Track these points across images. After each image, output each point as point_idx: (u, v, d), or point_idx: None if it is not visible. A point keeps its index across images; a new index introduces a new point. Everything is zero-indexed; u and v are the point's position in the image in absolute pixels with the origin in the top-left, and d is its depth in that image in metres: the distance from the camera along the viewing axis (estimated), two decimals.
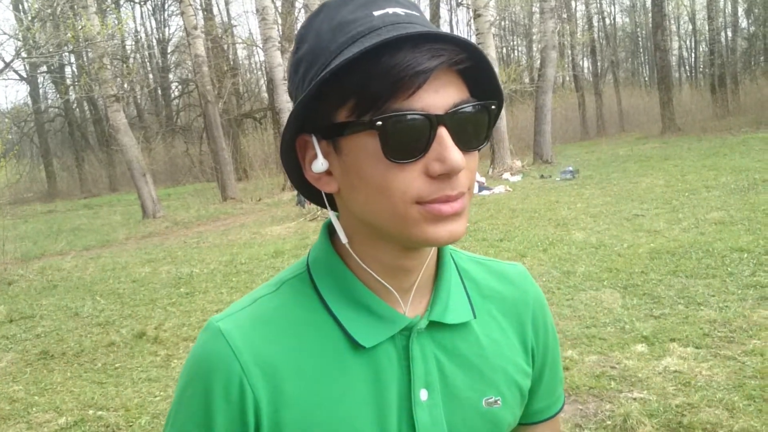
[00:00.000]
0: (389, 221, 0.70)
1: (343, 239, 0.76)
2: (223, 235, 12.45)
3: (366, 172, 0.68)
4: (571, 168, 14.91)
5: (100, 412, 4.26)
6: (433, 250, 0.81)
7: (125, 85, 20.06)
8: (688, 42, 43.84)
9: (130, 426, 4.01)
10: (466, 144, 0.68)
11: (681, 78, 41.96)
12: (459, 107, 0.67)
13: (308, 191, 0.81)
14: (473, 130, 0.69)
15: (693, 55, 44.20)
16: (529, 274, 0.93)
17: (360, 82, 0.65)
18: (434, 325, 0.79)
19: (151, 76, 36.73)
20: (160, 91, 37.79)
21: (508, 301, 0.87)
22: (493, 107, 0.71)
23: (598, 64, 36.76)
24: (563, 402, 0.96)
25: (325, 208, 0.79)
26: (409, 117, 0.65)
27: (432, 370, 0.78)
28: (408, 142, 0.66)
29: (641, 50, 46.83)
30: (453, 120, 0.67)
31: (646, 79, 45.42)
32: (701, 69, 41.41)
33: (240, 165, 26.27)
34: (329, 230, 0.82)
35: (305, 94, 0.67)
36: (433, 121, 0.66)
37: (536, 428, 0.93)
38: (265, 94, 37.10)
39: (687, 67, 45.68)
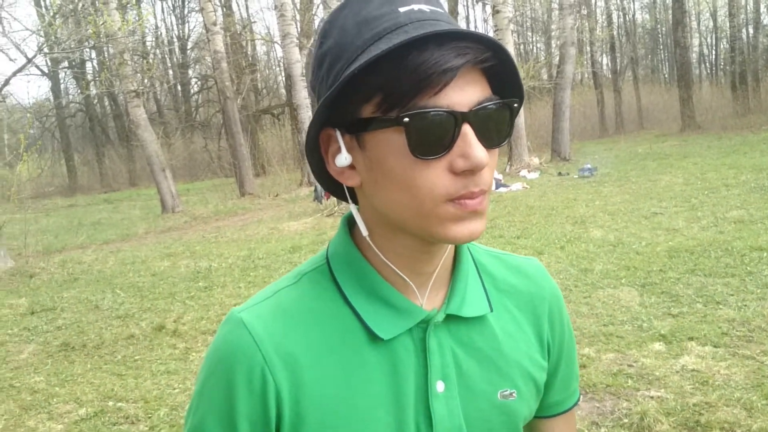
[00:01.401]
0: (412, 217, 0.71)
1: (364, 232, 0.78)
2: (241, 230, 12.53)
3: (391, 167, 0.69)
4: (589, 165, 14.82)
5: (119, 404, 4.32)
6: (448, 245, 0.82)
7: (145, 81, 20.20)
8: (708, 39, 43.34)
9: (149, 417, 4.06)
10: (488, 141, 0.69)
11: (701, 75, 41.50)
12: (482, 105, 0.68)
13: (330, 184, 0.83)
14: (495, 127, 0.70)
15: (714, 52, 43.69)
16: (545, 269, 0.94)
17: (386, 78, 0.67)
18: (451, 318, 0.80)
19: (171, 72, 37.03)
20: (179, 87, 38.06)
21: (524, 296, 0.88)
22: (515, 105, 0.72)
23: (618, 60, 36.46)
24: (578, 396, 0.97)
25: (347, 201, 0.81)
26: (435, 114, 0.66)
27: (448, 362, 0.79)
28: (433, 138, 0.67)
29: (661, 47, 46.36)
30: (477, 117, 0.68)
31: (666, 76, 44.98)
32: (722, 66, 40.92)
33: (258, 161, 26.39)
34: (349, 224, 0.84)
35: (333, 90, 0.68)
36: (458, 119, 0.67)
37: (552, 422, 0.94)
38: (283, 91, 37.22)
39: (707, 64, 45.17)
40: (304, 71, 18.73)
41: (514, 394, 0.83)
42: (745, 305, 4.85)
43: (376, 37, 0.69)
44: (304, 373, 0.75)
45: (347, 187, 0.79)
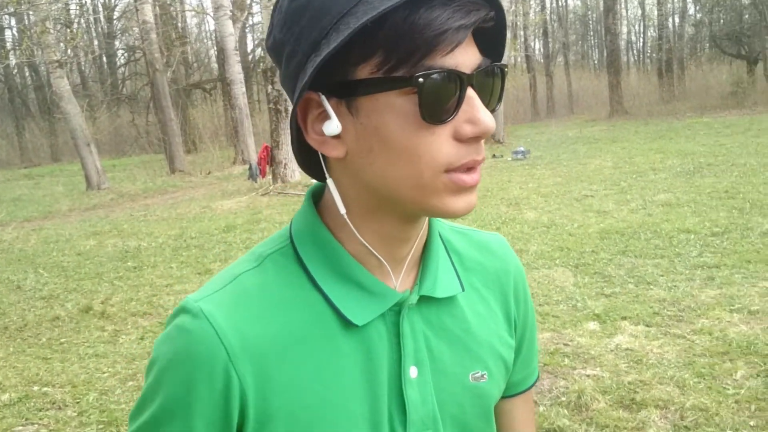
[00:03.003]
0: (409, 189, 0.65)
1: (342, 209, 0.70)
2: (172, 208, 12.18)
3: (391, 134, 0.63)
4: (522, 148, 15.07)
5: (45, 389, 4.11)
6: (425, 223, 0.76)
7: (68, 51, 19.31)
8: (636, 27, 44.68)
9: (78, 402, 3.88)
10: (487, 106, 0.65)
11: (629, 62, 42.80)
12: (482, 68, 0.64)
13: (303, 157, 0.74)
14: (492, 91, 0.66)
15: (641, 39, 45.09)
16: (508, 244, 0.90)
17: (392, 35, 0.59)
18: (423, 300, 0.76)
19: (96, 42, 35.53)
20: (105, 59, 36.60)
21: (490, 273, 0.85)
22: (506, 69, 0.68)
23: (550, 45, 37.15)
24: (538, 375, 0.95)
25: (319, 179, 0.74)
26: (447, 75, 0.60)
27: (421, 346, 0.75)
28: (442, 102, 0.61)
29: (591, 33, 47.51)
30: (479, 80, 0.63)
31: (596, 62, 46.16)
32: (649, 54, 42.28)
33: (189, 137, 25.72)
34: (313, 200, 0.76)
35: (337, 45, 0.59)
36: (464, 81, 0.62)
37: (511, 401, 0.91)
38: (215, 65, 36.29)
39: (635, 51, 46.61)
40: (237, 45, 18.29)
41: (485, 376, 0.79)
42: (675, 285, 5.01)
43: None
44: (272, 367, 0.68)
45: (324, 160, 0.71)
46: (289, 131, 11.89)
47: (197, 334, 0.66)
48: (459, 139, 0.63)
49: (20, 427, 3.64)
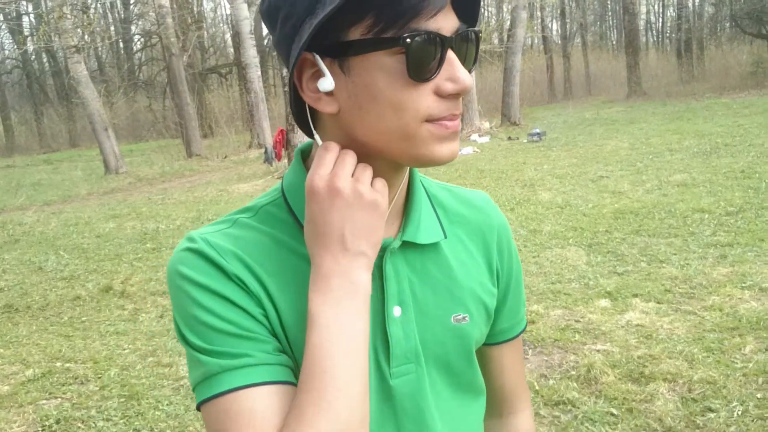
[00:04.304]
0: (397, 140, 0.71)
1: None
2: (189, 191, 12.32)
3: (380, 91, 0.69)
4: (538, 130, 15.01)
5: (67, 364, 4.23)
6: (405, 175, 0.82)
7: (86, 37, 19.44)
8: (656, 6, 44.06)
9: (99, 377, 3.99)
10: (464, 65, 0.71)
11: (648, 43, 42.27)
12: (460, 31, 0.70)
13: (297, 114, 0.80)
14: (467, 54, 0.73)
15: (660, 19, 44.48)
16: (492, 201, 0.97)
17: (382, 0, 0.66)
18: (407, 246, 0.81)
19: (112, 27, 35.68)
20: (121, 44, 36.76)
21: (473, 226, 0.91)
22: (480, 34, 0.75)
23: (567, 26, 36.77)
24: (525, 324, 1.01)
25: (310, 135, 0.79)
26: (430, 37, 0.67)
27: (405, 288, 0.81)
28: (426, 62, 0.68)
29: (609, 13, 46.92)
30: (457, 43, 0.70)
31: (614, 42, 45.65)
32: (668, 34, 41.72)
33: (205, 121, 25.85)
34: (302, 156, 0.83)
35: (331, 10, 0.65)
36: (445, 43, 0.68)
37: (500, 348, 0.97)
38: (231, 50, 36.33)
39: (654, 31, 46.01)
40: (252, 29, 18.31)
41: (466, 318, 0.85)
42: (687, 264, 5.03)
43: None
44: (268, 286, 0.75)
45: (313, 118, 0.77)
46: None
47: (203, 248, 0.74)
48: (440, 94, 0.70)
49: (44, 401, 3.76)
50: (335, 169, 0.72)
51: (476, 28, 0.74)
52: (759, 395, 3.08)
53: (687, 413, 3.01)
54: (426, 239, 0.83)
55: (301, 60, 0.72)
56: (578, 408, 3.14)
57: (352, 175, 0.72)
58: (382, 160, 0.75)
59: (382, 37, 0.67)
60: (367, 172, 0.73)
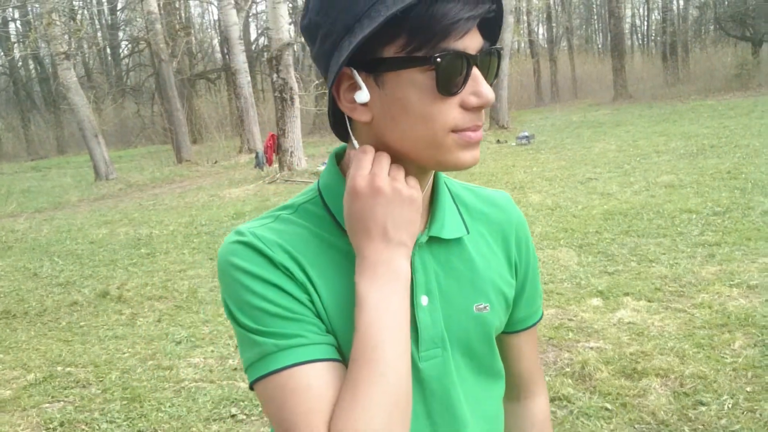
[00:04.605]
0: (425, 148, 0.80)
1: None
2: (180, 197, 12.33)
3: (411, 104, 0.77)
4: (526, 133, 15.15)
5: (68, 369, 4.27)
6: (431, 177, 0.91)
7: (72, 43, 19.41)
8: (641, 10, 44.45)
9: (101, 381, 4.04)
10: (486, 80, 0.80)
11: (633, 46, 42.62)
12: (484, 49, 0.79)
13: (334, 122, 0.89)
14: (489, 69, 0.81)
15: (645, 23, 44.89)
16: (512, 200, 1.05)
17: (415, 23, 0.74)
18: (433, 240, 0.90)
19: (99, 34, 35.58)
20: (108, 50, 36.66)
21: (494, 222, 0.99)
22: (501, 51, 0.84)
23: (553, 30, 37.04)
24: (542, 314, 1.09)
25: (344, 139, 0.89)
26: (457, 56, 0.75)
27: (431, 279, 0.88)
28: (453, 78, 0.76)
29: (595, 17, 47.31)
30: (481, 60, 0.79)
31: (600, 46, 46.00)
32: (653, 37, 42.11)
33: (194, 127, 25.82)
34: (336, 159, 0.92)
35: (371, 31, 0.73)
36: (471, 61, 0.77)
37: (518, 336, 1.06)
38: (218, 55, 36.30)
39: (639, 35, 46.41)
40: (241, 34, 18.33)
41: (487, 308, 0.93)
42: (677, 263, 5.14)
43: None
44: (311, 274, 0.83)
45: (350, 125, 0.85)
46: (294, 119, 11.91)
47: (252, 240, 0.82)
48: (465, 107, 0.78)
49: (47, 405, 3.80)
50: (374, 169, 0.80)
51: (498, 46, 0.82)
52: (748, 388, 3.18)
53: (679, 407, 3.10)
54: (450, 234, 0.91)
55: (340, 73, 0.80)
56: (573, 403, 3.23)
57: (388, 174, 0.80)
58: (410, 163, 0.83)
59: (415, 56, 0.75)
60: (401, 171, 0.81)
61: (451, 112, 0.77)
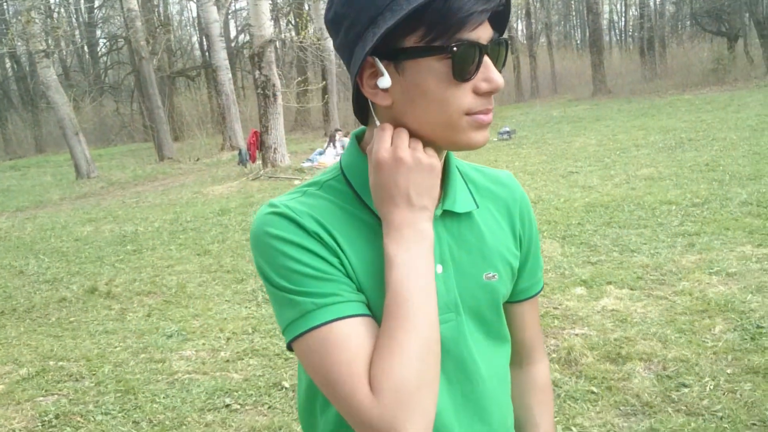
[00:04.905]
0: (441, 129, 0.88)
1: None
2: (164, 194, 12.32)
3: (429, 89, 0.85)
4: (507, 128, 15.28)
5: (61, 363, 4.30)
6: (443, 156, 0.99)
7: (49, 42, 19.23)
8: (618, 6, 44.88)
9: (94, 374, 4.07)
10: (495, 67, 0.88)
11: (611, 41, 43.03)
12: (494, 40, 0.87)
13: (357, 107, 0.97)
14: (498, 57, 0.90)
15: (623, 19, 45.31)
16: (515, 179, 1.14)
17: (434, 15, 0.82)
18: (446, 214, 0.98)
19: (77, 32, 35.22)
20: (86, 48, 36.31)
21: (500, 199, 1.08)
22: (509, 41, 0.93)
23: (533, 26, 37.27)
24: (542, 285, 1.19)
25: (364, 123, 0.97)
26: (473, 45, 0.84)
27: (445, 250, 0.97)
28: (467, 65, 0.85)
29: (573, 13, 47.69)
30: (492, 50, 0.87)
31: (578, 42, 46.39)
32: (631, 33, 42.54)
33: (175, 124, 25.70)
34: (357, 140, 1.00)
35: (394, 23, 0.81)
36: (483, 50, 0.85)
37: (521, 305, 1.14)
38: (198, 52, 36.14)
39: (617, 30, 46.85)
40: (222, 31, 18.28)
41: (495, 276, 1.01)
42: (657, 252, 5.27)
43: None
44: (339, 240, 0.91)
45: (373, 108, 0.93)
46: (277, 116, 11.96)
47: (285, 210, 0.90)
48: (477, 92, 0.87)
49: (41, 398, 3.83)
50: (395, 142, 0.88)
51: (506, 37, 0.90)
52: (729, 371, 3.29)
53: (662, 389, 3.20)
54: (462, 209, 0.99)
55: (363, 62, 0.88)
56: (561, 387, 3.33)
57: (408, 146, 0.88)
58: (426, 144, 0.90)
59: (433, 46, 0.83)
60: (420, 143, 0.89)
61: (465, 96, 0.85)
